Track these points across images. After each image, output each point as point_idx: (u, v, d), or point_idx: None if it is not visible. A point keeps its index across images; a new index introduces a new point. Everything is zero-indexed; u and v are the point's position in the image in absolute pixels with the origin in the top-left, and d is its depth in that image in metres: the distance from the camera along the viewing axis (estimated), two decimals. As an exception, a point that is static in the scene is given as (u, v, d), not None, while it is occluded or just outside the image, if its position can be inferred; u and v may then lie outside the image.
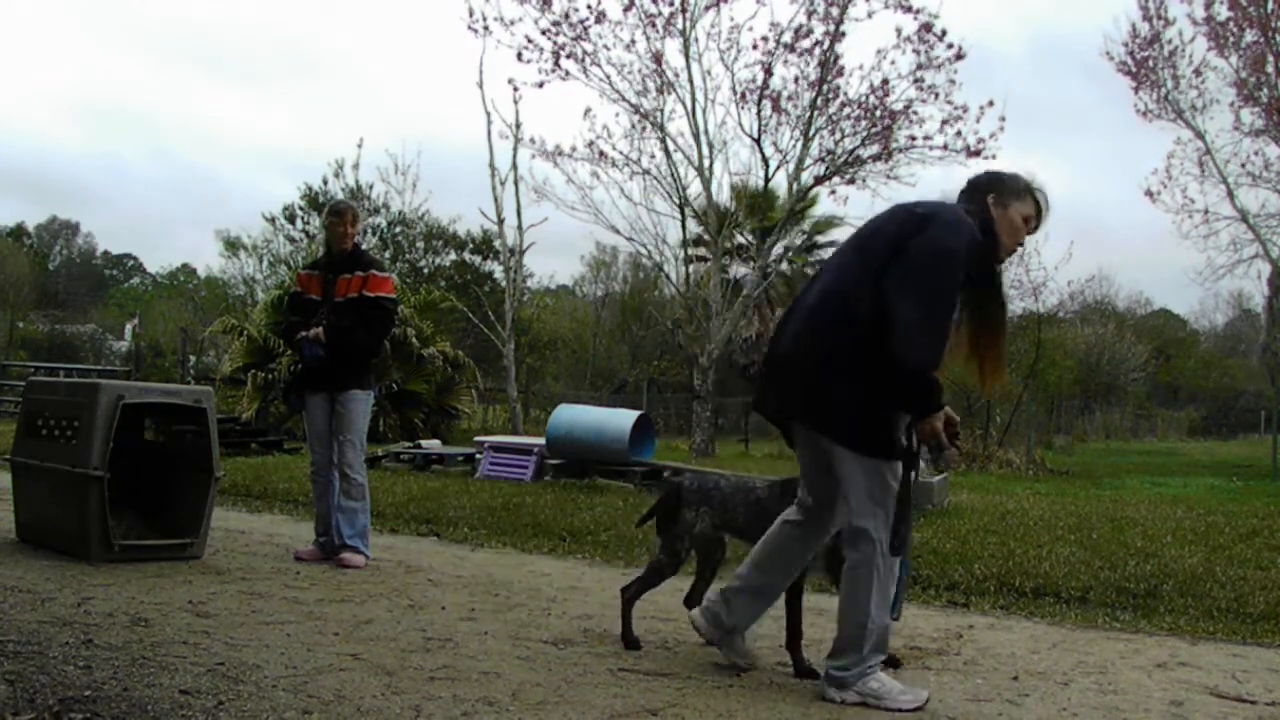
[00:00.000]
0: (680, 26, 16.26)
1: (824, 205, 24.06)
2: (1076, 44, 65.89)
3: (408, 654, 3.30)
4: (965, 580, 5.13)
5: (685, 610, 3.59)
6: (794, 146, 16.53)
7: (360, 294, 5.13)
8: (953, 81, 15.41)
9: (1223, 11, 17.29)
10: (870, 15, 15.45)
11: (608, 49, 16.36)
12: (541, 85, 16.47)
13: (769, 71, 15.95)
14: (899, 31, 15.44)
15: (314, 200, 27.90)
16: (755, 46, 16.00)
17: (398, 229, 28.89)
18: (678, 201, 17.49)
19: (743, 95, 16.30)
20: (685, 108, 16.74)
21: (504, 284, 19.82)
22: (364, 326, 5.13)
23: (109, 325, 38.71)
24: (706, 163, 16.90)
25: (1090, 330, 32.04)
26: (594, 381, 30.23)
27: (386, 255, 27.42)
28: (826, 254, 30.35)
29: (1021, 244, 3.18)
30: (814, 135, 16.30)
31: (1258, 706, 3.12)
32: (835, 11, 15.50)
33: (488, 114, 17.12)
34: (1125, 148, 71.89)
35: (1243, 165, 18.08)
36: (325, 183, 28.46)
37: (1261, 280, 20.40)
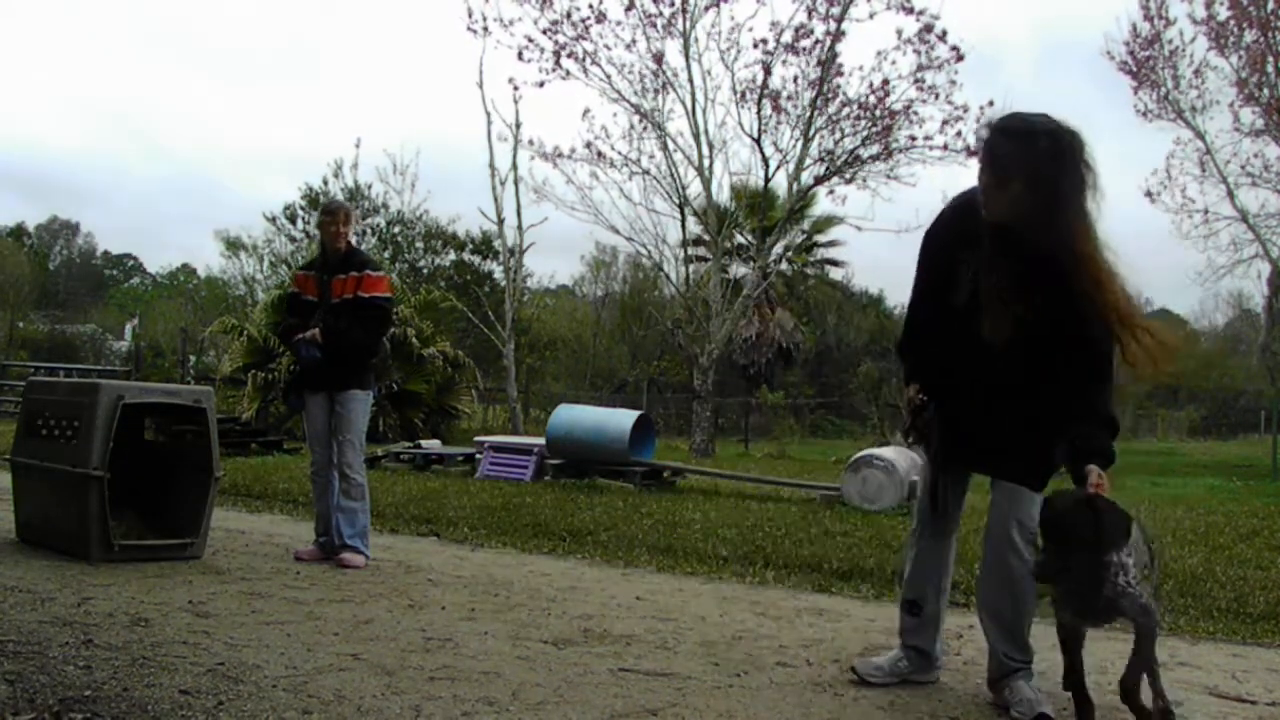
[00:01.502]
0: (681, 27, 16.28)
1: (824, 205, 24.08)
2: (1082, 41, 65.87)
3: (408, 654, 3.30)
4: (965, 580, 5.12)
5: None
6: (794, 146, 16.57)
7: (355, 295, 5.13)
8: (953, 82, 15.45)
9: (1223, 11, 17.32)
10: (871, 16, 15.49)
11: (608, 49, 16.39)
12: (542, 84, 16.50)
13: (769, 71, 15.97)
14: (899, 33, 15.47)
15: (314, 200, 27.90)
16: (755, 46, 16.04)
17: (397, 229, 28.92)
18: (677, 201, 17.50)
19: (743, 95, 16.33)
20: (685, 107, 16.78)
21: (504, 284, 19.83)
22: (360, 327, 5.12)
23: (109, 325, 38.71)
24: (706, 163, 16.92)
25: (1090, 330, 31.97)
26: (594, 381, 30.24)
27: (386, 255, 27.44)
28: (827, 254, 30.47)
29: (987, 199, 2.72)
30: (814, 135, 16.32)
31: (1258, 706, 3.12)
32: (836, 11, 15.51)
33: (488, 114, 17.17)
34: (1127, 147, 71.76)
35: (1243, 165, 18.15)
36: (325, 183, 28.54)
37: (1261, 280, 20.48)
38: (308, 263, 5.61)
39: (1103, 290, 2.61)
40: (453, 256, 30.83)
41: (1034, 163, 2.60)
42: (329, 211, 5.30)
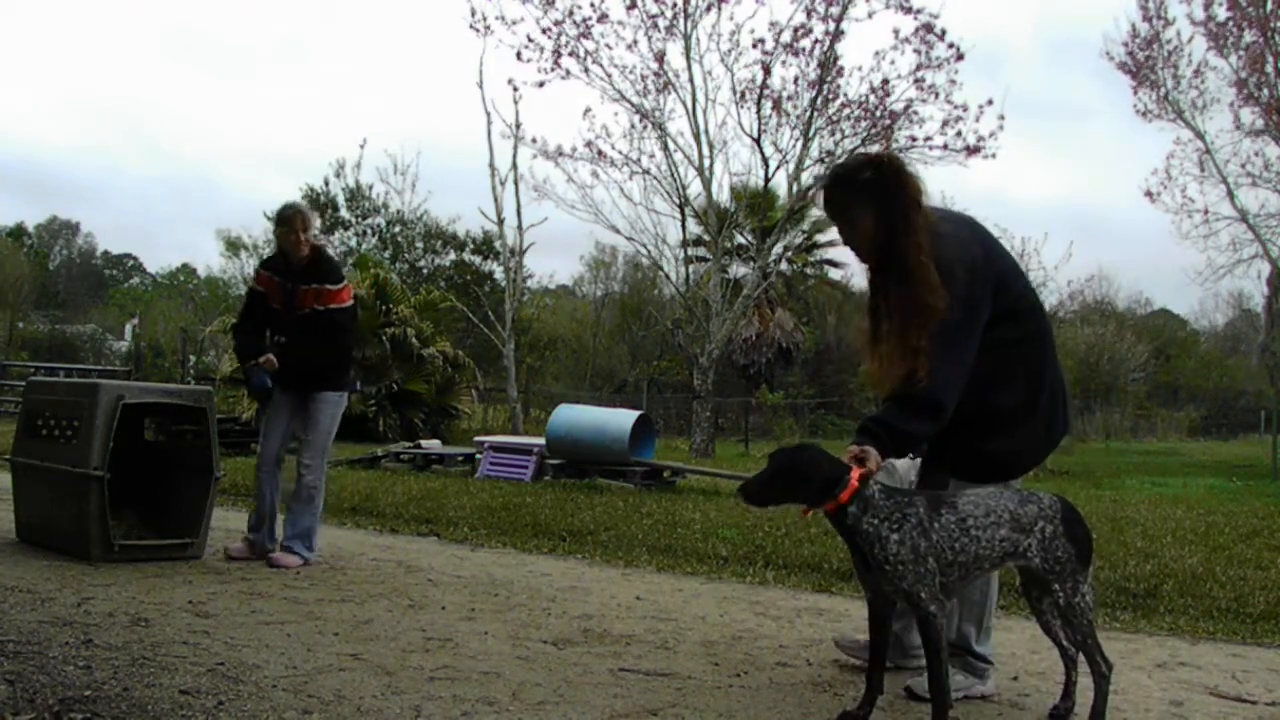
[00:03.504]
0: (682, 29, 16.27)
1: (824, 205, 23.97)
2: (1084, 40, 65.92)
3: (408, 654, 3.30)
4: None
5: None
6: (794, 146, 16.54)
7: (313, 308, 4.97)
8: (953, 81, 15.42)
9: (1221, 12, 17.32)
10: (870, 15, 15.47)
11: (609, 48, 16.37)
12: (542, 85, 16.48)
13: (768, 71, 15.96)
14: (896, 33, 15.46)
15: (315, 200, 27.95)
16: (755, 46, 16.02)
17: (397, 229, 28.94)
18: (678, 201, 17.48)
19: (742, 95, 16.31)
20: (685, 108, 16.75)
21: (504, 284, 19.83)
22: (324, 342, 4.99)
23: (109, 325, 38.74)
24: (706, 163, 16.90)
25: (1090, 330, 32.11)
26: (594, 381, 30.26)
27: (386, 255, 27.43)
28: (827, 254, 30.47)
29: (849, 244, 2.97)
30: (814, 135, 16.30)
31: (1258, 706, 3.12)
32: (835, 11, 15.51)
33: (488, 114, 17.19)
34: (1127, 147, 71.79)
35: (1243, 165, 18.15)
36: (326, 183, 28.57)
37: (1261, 280, 20.49)
38: (270, 260, 5.22)
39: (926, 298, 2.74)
40: (453, 256, 30.87)
41: (868, 196, 2.76)
42: (284, 220, 4.97)
